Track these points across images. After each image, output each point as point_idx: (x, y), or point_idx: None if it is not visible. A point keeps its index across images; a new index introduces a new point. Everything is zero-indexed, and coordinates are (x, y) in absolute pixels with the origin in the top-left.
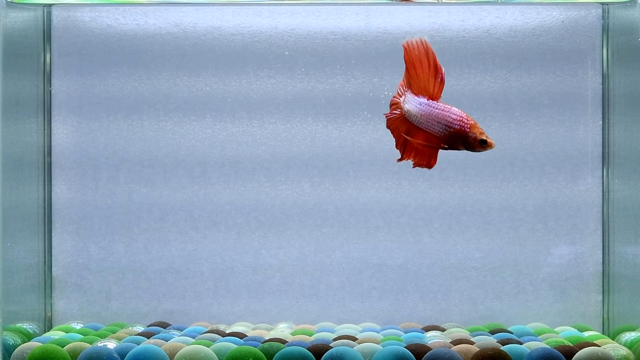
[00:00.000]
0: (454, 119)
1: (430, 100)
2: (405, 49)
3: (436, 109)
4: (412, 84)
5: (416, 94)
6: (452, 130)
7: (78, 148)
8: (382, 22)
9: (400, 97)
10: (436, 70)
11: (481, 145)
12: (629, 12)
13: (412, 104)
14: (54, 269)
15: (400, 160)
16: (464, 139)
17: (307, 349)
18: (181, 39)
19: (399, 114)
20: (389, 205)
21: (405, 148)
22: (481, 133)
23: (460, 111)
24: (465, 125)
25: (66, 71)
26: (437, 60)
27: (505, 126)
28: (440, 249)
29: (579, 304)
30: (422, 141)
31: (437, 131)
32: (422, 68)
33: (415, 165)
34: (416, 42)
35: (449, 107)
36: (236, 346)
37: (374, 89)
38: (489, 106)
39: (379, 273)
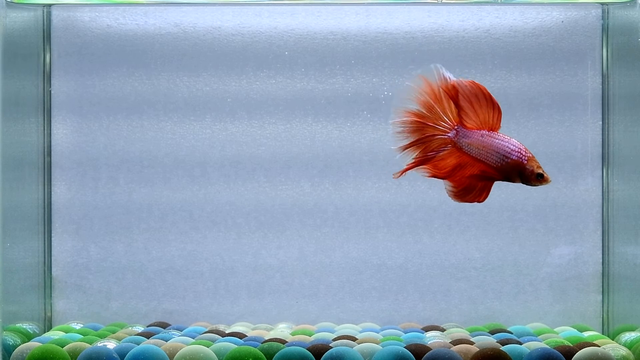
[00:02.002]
0: (512, 150)
1: (490, 131)
2: (458, 87)
3: (495, 139)
4: (468, 119)
5: (472, 127)
6: (509, 161)
7: (78, 148)
8: (382, 22)
9: (447, 132)
10: (492, 103)
11: (537, 179)
12: (629, 12)
13: (472, 136)
14: (53, 269)
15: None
16: (520, 170)
17: (307, 349)
18: (181, 39)
19: (450, 149)
20: (389, 205)
21: (451, 179)
22: (538, 167)
23: (519, 143)
24: (523, 157)
25: (66, 71)
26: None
27: (505, 126)
28: (440, 249)
29: (578, 304)
30: (479, 172)
31: (494, 161)
32: (480, 102)
33: (459, 198)
34: (467, 81)
35: (508, 138)
36: (236, 346)
37: (374, 89)
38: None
39: (379, 273)
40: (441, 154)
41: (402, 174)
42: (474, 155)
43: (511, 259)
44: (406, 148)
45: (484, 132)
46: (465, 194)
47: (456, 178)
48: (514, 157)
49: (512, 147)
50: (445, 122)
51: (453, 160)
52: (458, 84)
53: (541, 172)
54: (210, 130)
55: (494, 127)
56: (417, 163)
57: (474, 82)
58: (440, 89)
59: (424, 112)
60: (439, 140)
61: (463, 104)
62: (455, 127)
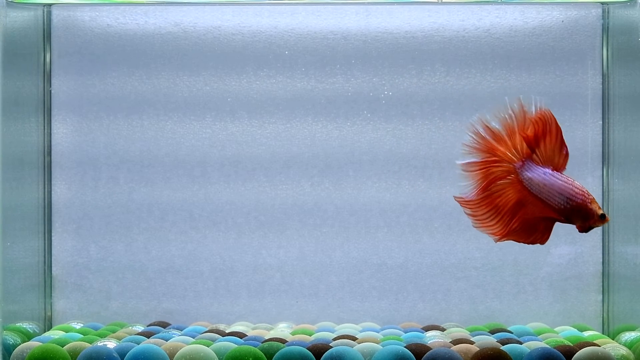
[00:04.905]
0: (576, 193)
1: (554, 171)
2: (543, 119)
3: (560, 180)
4: (539, 153)
5: (539, 163)
6: (573, 203)
7: (78, 148)
8: (382, 22)
9: (514, 163)
10: (562, 143)
11: (600, 219)
12: (629, 12)
13: (536, 172)
14: (53, 269)
15: (501, 238)
16: (583, 212)
17: (307, 349)
18: (181, 39)
19: (512, 180)
20: (389, 205)
21: (512, 217)
22: (599, 208)
23: (581, 185)
24: (587, 200)
25: (66, 71)
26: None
27: None
28: (440, 248)
29: (578, 304)
30: (540, 212)
31: (556, 202)
32: (551, 138)
33: (522, 240)
34: (547, 112)
35: (572, 180)
36: (236, 346)
37: (374, 88)
38: (489, 106)
39: (379, 273)
40: (501, 182)
41: (465, 203)
42: (534, 191)
43: (511, 259)
44: (470, 166)
45: (548, 170)
46: (526, 235)
47: (516, 218)
48: (578, 200)
49: (576, 190)
50: (517, 151)
51: (513, 195)
52: (544, 117)
53: (602, 212)
54: (210, 129)
55: (559, 167)
56: (479, 188)
57: (552, 117)
58: (530, 120)
59: (502, 135)
60: (503, 167)
61: (540, 136)
62: (523, 159)
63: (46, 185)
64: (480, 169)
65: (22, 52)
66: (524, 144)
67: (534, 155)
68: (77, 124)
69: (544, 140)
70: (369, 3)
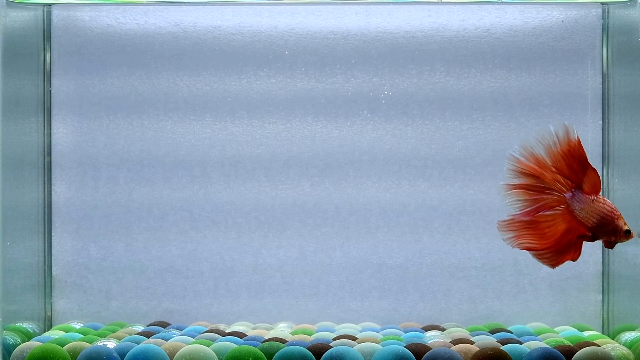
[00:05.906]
0: (609, 211)
1: (597, 196)
2: (581, 145)
3: (600, 203)
4: (586, 181)
5: (586, 192)
6: (604, 221)
7: (78, 148)
8: (382, 22)
9: (564, 193)
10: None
11: (625, 235)
12: (629, 12)
13: (585, 202)
14: (53, 269)
15: (558, 261)
16: (611, 228)
17: (307, 349)
18: (181, 39)
19: (562, 211)
20: (389, 205)
21: (555, 244)
22: (624, 224)
23: (611, 203)
24: (616, 216)
25: (66, 71)
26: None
27: (505, 126)
28: (440, 248)
29: (578, 304)
30: (580, 232)
31: (593, 223)
32: (590, 169)
33: (556, 263)
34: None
35: (604, 199)
36: (236, 346)
37: (374, 88)
38: (489, 106)
39: (379, 273)
40: (550, 213)
41: (510, 224)
42: (581, 219)
43: (511, 259)
44: (516, 189)
45: (593, 197)
46: (560, 256)
47: (554, 242)
48: (609, 218)
49: (609, 209)
50: (565, 182)
51: (563, 225)
52: (576, 150)
53: (628, 228)
54: (210, 129)
55: (598, 191)
56: (526, 212)
57: (582, 147)
58: (574, 148)
59: (549, 163)
60: (552, 197)
61: (588, 164)
62: (573, 189)
63: (46, 185)
64: (529, 195)
65: (22, 52)
66: (571, 174)
67: (583, 186)
68: (77, 124)
69: (585, 173)
70: (369, 3)
